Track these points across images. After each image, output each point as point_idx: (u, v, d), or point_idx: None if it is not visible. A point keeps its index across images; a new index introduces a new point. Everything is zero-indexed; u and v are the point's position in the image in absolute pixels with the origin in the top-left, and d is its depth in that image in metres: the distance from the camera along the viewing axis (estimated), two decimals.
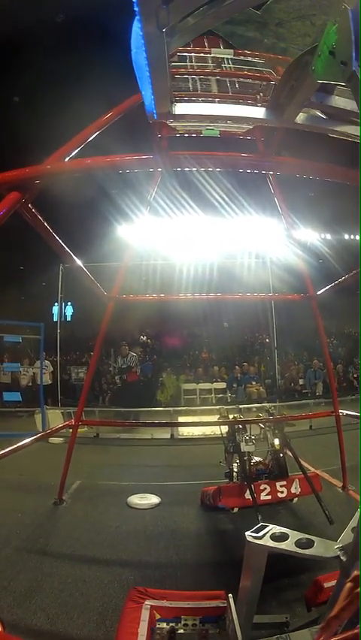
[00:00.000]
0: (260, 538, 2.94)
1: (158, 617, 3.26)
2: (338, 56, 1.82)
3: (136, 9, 1.81)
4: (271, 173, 5.70)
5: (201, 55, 4.32)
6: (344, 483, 6.98)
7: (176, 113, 3.08)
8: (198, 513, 6.45)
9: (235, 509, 6.13)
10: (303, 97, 2.54)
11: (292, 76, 2.47)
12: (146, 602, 3.33)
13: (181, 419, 13.45)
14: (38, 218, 3.46)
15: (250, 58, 4.17)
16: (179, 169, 3.53)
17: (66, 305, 20.38)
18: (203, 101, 3.77)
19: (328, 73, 2.01)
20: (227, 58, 4.25)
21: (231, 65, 4.24)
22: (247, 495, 5.81)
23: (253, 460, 6.36)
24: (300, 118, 2.87)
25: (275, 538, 2.94)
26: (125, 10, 1.88)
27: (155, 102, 2.72)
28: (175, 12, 1.89)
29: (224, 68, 4.22)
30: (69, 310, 21.32)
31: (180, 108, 3.12)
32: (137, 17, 1.88)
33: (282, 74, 2.65)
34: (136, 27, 1.97)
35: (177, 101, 3.28)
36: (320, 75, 2.10)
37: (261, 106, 3.24)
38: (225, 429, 7.02)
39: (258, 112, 3.16)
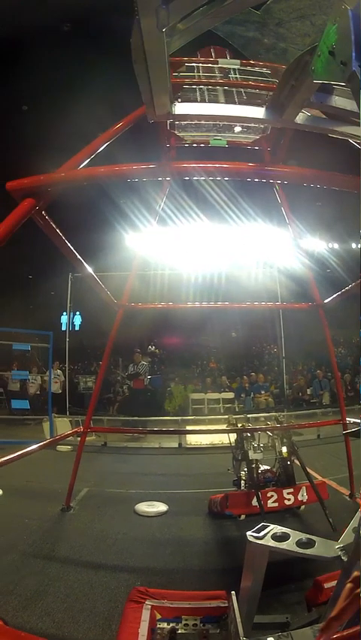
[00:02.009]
0: (261, 538, 2.93)
1: (159, 617, 3.26)
2: (338, 56, 1.84)
3: (136, 9, 1.86)
4: (278, 182, 5.73)
5: (209, 65, 4.38)
6: (352, 491, 6.95)
7: (176, 113, 3.12)
8: (206, 520, 6.44)
9: (242, 516, 6.14)
10: (303, 97, 2.56)
11: (292, 76, 2.50)
12: (147, 602, 3.33)
13: (189, 428, 13.44)
14: (52, 226, 3.51)
15: (256, 69, 4.23)
16: (187, 178, 3.58)
17: (75, 314, 20.45)
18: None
19: (328, 73, 2.02)
20: (234, 69, 4.31)
21: (237, 76, 4.30)
22: (254, 502, 5.82)
23: (261, 468, 6.36)
24: (300, 118, 2.89)
25: (276, 538, 2.94)
26: (126, 11, 1.92)
27: (155, 102, 2.76)
28: (175, 12, 1.92)
29: (231, 79, 4.28)
30: (77, 320, 21.40)
31: (180, 108, 3.16)
32: (137, 17, 1.92)
33: (282, 74, 2.68)
34: (136, 27, 2.01)
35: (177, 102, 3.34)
36: (319, 75, 2.12)
37: (261, 106, 3.29)
38: (233, 437, 7.03)
39: (258, 112, 3.19)
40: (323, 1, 2.15)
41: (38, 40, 9.19)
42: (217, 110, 3.57)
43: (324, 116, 2.91)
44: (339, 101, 2.57)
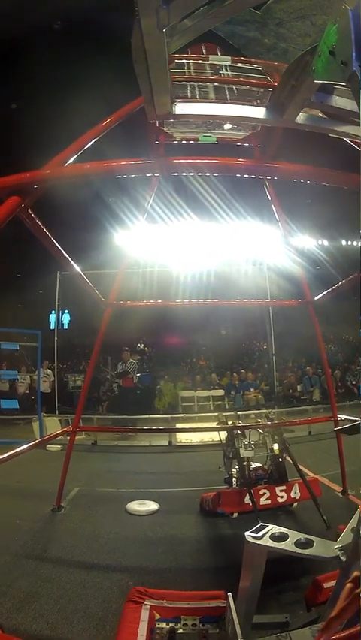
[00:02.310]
0: (260, 538, 2.92)
1: (158, 617, 3.25)
2: (338, 56, 1.81)
3: (136, 9, 1.83)
4: (268, 178, 5.71)
5: (199, 62, 4.34)
6: (344, 487, 6.97)
7: (177, 113, 3.09)
8: (198, 519, 6.43)
9: (235, 514, 6.12)
10: (303, 97, 2.54)
11: (292, 76, 2.48)
12: (146, 602, 3.32)
13: (179, 427, 13.43)
14: (38, 224, 3.46)
15: (247, 65, 4.20)
16: (176, 174, 3.55)
17: (63, 313, 20.37)
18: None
19: (328, 73, 2.00)
20: (225, 65, 4.28)
21: (229, 72, 4.26)
22: (247, 500, 5.81)
23: (253, 466, 6.35)
24: (300, 118, 2.87)
25: (275, 538, 2.93)
26: (126, 10, 1.90)
27: (156, 102, 2.74)
28: (175, 12, 1.89)
29: (222, 75, 4.24)
30: (66, 318, 21.32)
31: (180, 108, 3.13)
32: (137, 17, 1.89)
33: (282, 74, 2.66)
34: (136, 27, 1.98)
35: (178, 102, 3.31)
36: (320, 75, 2.09)
37: (261, 106, 3.26)
38: (224, 435, 7.02)
39: (258, 112, 3.17)
40: (323, 1, 2.15)
41: (30, 38, 9.11)
42: (218, 110, 3.54)
43: (324, 116, 2.90)
44: (339, 101, 2.55)
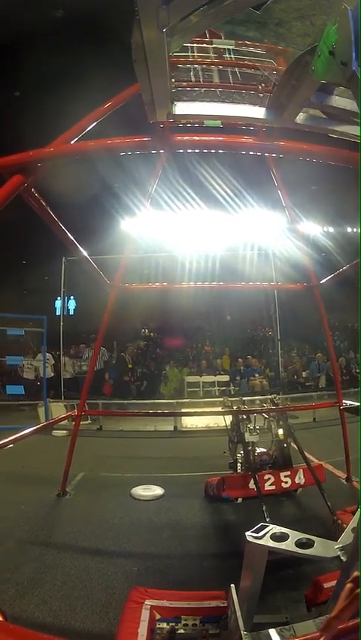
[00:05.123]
0: (260, 538, 2.90)
1: (158, 617, 3.25)
2: (338, 56, 1.83)
3: (136, 9, 1.85)
4: (273, 155, 5.64)
5: (203, 45, 4.28)
6: (348, 474, 6.95)
7: (176, 113, 3.08)
8: (202, 504, 6.45)
9: (239, 499, 6.13)
10: (303, 97, 2.57)
11: (292, 76, 2.47)
12: (146, 602, 3.32)
13: (185, 411, 13.44)
14: (41, 203, 3.45)
15: (251, 49, 4.13)
16: (181, 151, 3.53)
17: (69, 299, 20.34)
18: (205, 91, 3.75)
19: (328, 73, 2.01)
20: (229, 49, 4.22)
21: (232, 56, 4.20)
22: (251, 485, 5.80)
23: (258, 451, 6.34)
24: (300, 118, 2.88)
25: (275, 538, 2.91)
26: (126, 10, 1.89)
27: (156, 102, 2.72)
28: (175, 12, 1.92)
29: (226, 59, 4.19)
30: (72, 304, 21.30)
31: (180, 108, 3.12)
32: (137, 17, 1.91)
33: (282, 74, 2.67)
34: (136, 27, 1.99)
35: (179, 92, 3.28)
36: (319, 75, 2.11)
37: (261, 105, 3.25)
38: (229, 420, 7.00)
39: (258, 112, 3.15)
40: (323, 1, 2.16)
41: (31, 28, 9.04)
42: (218, 110, 3.50)
43: (324, 116, 2.88)
44: (339, 101, 2.58)
